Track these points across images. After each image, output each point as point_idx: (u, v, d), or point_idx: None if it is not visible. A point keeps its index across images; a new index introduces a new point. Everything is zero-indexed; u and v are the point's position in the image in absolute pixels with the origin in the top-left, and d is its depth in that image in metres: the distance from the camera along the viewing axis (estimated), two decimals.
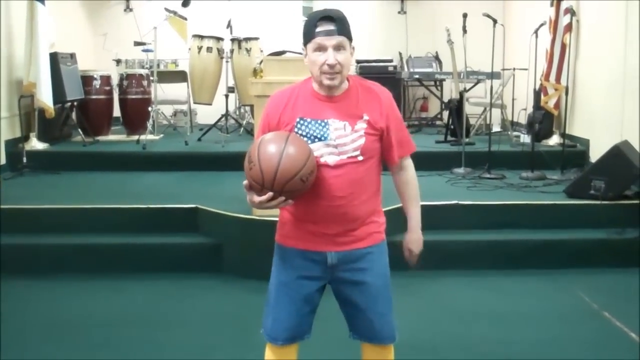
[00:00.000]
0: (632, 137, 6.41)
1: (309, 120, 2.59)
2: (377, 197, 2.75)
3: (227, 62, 8.81)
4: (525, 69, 7.89)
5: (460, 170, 7.30)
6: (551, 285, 5.13)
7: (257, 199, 2.48)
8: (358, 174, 2.59)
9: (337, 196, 2.58)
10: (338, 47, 2.51)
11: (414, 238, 2.89)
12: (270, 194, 2.44)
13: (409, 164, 2.81)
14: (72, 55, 8.66)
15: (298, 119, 2.59)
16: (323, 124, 2.57)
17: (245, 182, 2.51)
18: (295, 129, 2.58)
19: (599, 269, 5.41)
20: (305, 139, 2.56)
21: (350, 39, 2.56)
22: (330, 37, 2.50)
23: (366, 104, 2.62)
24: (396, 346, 2.87)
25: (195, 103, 9.20)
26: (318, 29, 2.51)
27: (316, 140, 2.56)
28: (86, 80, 8.76)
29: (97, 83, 8.79)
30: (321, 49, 2.51)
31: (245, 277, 5.18)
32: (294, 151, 2.44)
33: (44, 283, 5.11)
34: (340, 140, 2.56)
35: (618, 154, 6.01)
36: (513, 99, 8.44)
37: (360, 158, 2.58)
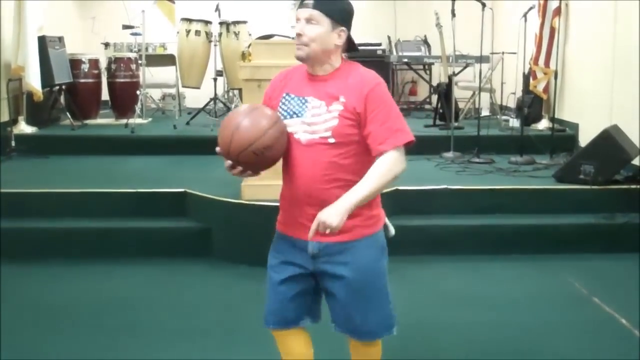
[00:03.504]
0: (621, 121, 6.41)
1: (292, 96, 2.65)
2: None
3: (215, 45, 8.77)
4: (514, 53, 7.89)
5: (449, 154, 7.29)
6: (540, 270, 5.14)
7: (225, 164, 2.60)
8: (331, 157, 2.55)
9: (307, 175, 2.58)
10: (309, 20, 2.56)
11: (331, 211, 2.47)
12: (229, 162, 2.56)
13: (392, 156, 2.52)
14: (61, 39, 8.61)
15: (284, 94, 2.68)
16: (303, 100, 2.62)
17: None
18: (280, 104, 2.66)
19: (589, 254, 5.43)
20: (285, 114, 2.63)
21: (329, 16, 2.57)
22: (303, 9, 2.58)
23: (347, 88, 2.58)
24: None
25: (183, 86, 9.16)
26: (300, 3, 2.60)
27: (294, 116, 2.61)
28: (74, 63, 8.72)
29: (85, 66, 8.75)
30: (298, 20, 2.60)
31: (234, 261, 5.19)
32: (249, 124, 2.51)
33: (31, 267, 5.09)
34: (314, 119, 2.57)
35: (607, 138, 6.00)
36: (502, 83, 8.45)
37: (332, 140, 2.55)
